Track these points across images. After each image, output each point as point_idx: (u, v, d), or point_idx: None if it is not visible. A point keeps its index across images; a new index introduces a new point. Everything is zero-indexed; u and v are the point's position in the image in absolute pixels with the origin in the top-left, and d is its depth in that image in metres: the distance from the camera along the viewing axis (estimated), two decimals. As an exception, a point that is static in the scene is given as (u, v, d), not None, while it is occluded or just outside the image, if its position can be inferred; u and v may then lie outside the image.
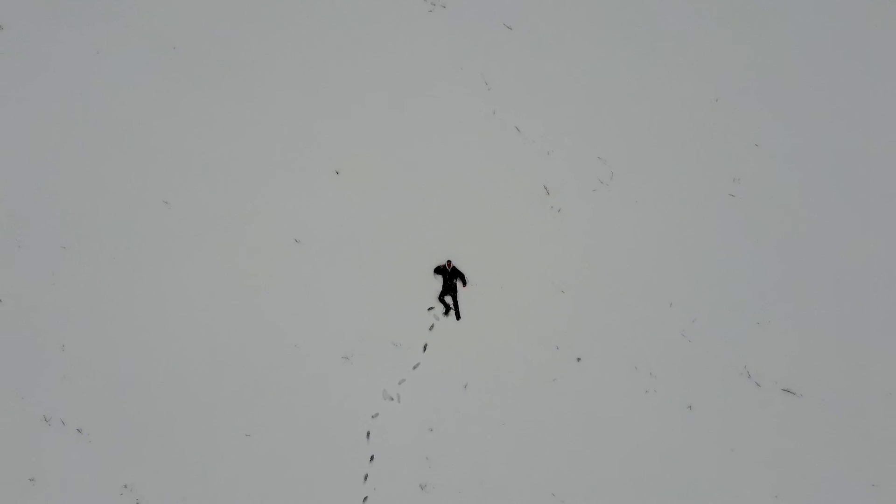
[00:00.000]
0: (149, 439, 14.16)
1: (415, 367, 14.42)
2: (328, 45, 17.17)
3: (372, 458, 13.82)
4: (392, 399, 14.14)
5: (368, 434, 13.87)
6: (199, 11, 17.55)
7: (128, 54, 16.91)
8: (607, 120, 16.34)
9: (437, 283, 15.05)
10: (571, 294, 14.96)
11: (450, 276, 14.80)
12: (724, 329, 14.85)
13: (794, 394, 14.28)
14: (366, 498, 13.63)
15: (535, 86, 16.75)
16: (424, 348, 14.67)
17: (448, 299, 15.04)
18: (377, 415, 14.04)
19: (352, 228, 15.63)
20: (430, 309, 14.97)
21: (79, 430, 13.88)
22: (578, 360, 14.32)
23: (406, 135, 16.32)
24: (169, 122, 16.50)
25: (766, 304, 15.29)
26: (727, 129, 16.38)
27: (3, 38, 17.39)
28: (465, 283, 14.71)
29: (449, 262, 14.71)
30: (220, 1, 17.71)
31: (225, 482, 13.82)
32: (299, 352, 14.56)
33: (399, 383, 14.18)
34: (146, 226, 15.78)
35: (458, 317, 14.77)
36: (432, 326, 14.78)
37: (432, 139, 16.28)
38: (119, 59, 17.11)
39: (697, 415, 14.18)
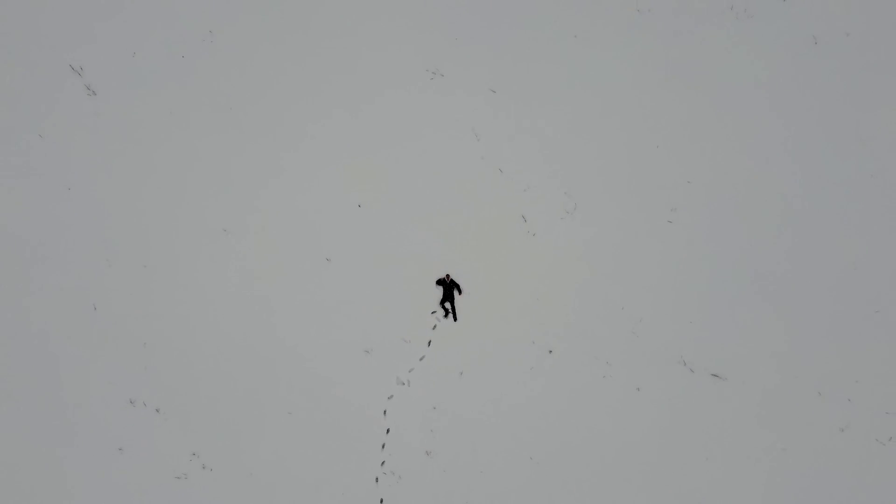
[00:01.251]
0: (210, 416, 14.56)
1: (421, 359, 15.28)
2: (344, 101, 17.71)
3: (388, 430, 14.47)
4: (403, 384, 14.94)
5: (385, 412, 14.63)
6: (264, 82, 17.30)
7: (193, 114, 17.00)
8: (571, 163, 17.11)
9: (438, 291, 15.67)
10: (544, 301, 15.79)
11: (448, 286, 15.47)
12: (664, 327, 15.49)
13: (720, 377, 14.64)
14: (383, 462, 14.13)
15: (514, 137, 17.49)
16: (429, 343, 15.48)
17: (447, 305, 15.64)
18: (392, 396, 14.79)
19: (372, 252, 16.24)
20: (433, 312, 15.79)
21: (157, 410, 14.42)
22: (550, 352, 15.11)
23: (412, 176, 17.08)
24: (228, 157, 16.46)
25: (697, 307, 15.46)
26: (665, 169, 17.06)
27: (97, 101, 16.97)
28: (460, 292, 15.27)
29: (448, 275, 15.39)
30: (264, 77, 17.26)
31: (271, 448, 14.15)
32: (332, 346, 15.25)
33: (409, 371, 15.10)
34: (211, 250, 16.00)
35: (455, 318, 15.38)
36: (435, 326, 15.64)
37: (433, 179, 17.08)
38: (185, 117, 17.03)
39: (644, 395, 14.77)
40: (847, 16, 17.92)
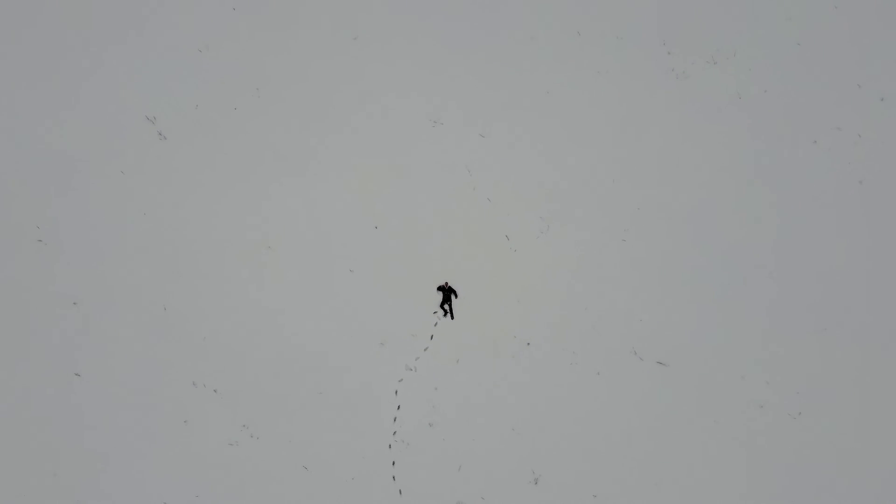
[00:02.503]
0: (257, 395, 14.84)
1: (425, 350, 15.61)
2: (366, 146, 17.59)
3: (398, 406, 14.85)
4: (411, 369, 15.31)
5: (396, 392, 15.04)
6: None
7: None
8: (545, 194, 17.26)
9: (438, 296, 15.93)
10: (524, 303, 16.05)
11: (447, 292, 15.77)
12: (619, 324, 15.76)
13: (664, 364, 15.15)
14: (395, 432, 14.60)
15: (499, 173, 17.53)
16: (431, 337, 15.76)
17: (446, 306, 15.86)
18: (402, 379, 15.20)
19: (386, 264, 16.48)
20: (434, 313, 16.04)
21: (214, 391, 14.70)
22: (528, 344, 15.53)
23: (419, 203, 17.21)
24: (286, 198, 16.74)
25: (645, 308, 15.85)
26: (620, 199, 17.15)
27: (167, 144, 17.21)
28: (456, 296, 15.74)
29: (446, 282, 15.73)
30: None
31: (305, 421, 14.63)
32: (354, 340, 15.57)
33: (415, 359, 15.44)
34: (256, 263, 16.14)
35: (452, 317, 15.81)
36: (436, 324, 15.95)
37: (435, 205, 17.24)
38: (235, 157, 17.04)
39: (602, 378, 15.20)
40: (765, 77, 18.15)
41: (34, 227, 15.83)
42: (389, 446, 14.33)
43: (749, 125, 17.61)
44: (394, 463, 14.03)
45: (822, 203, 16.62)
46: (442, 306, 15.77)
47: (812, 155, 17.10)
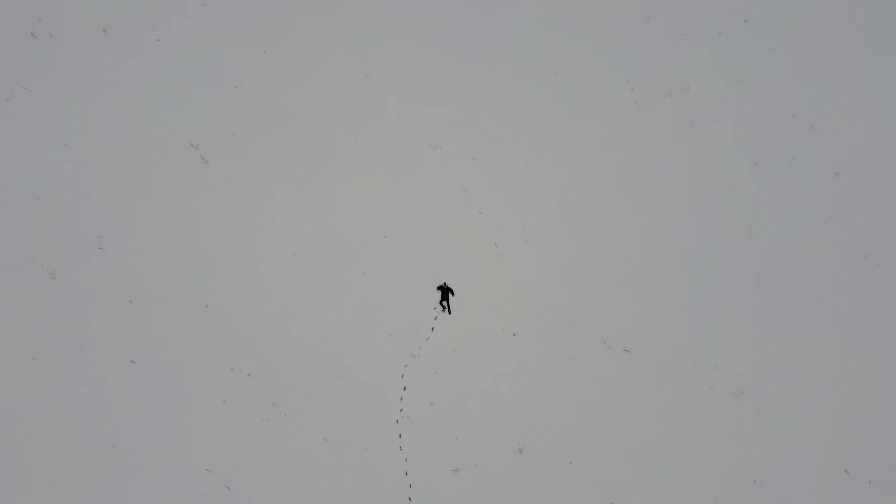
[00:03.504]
0: (285, 379, 15.22)
1: (427, 340, 16.01)
2: (377, 168, 17.98)
3: (404, 388, 15.31)
4: (415, 356, 15.73)
5: (403, 375, 15.47)
6: (319, 155, 17.93)
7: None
8: (528, 208, 17.70)
9: (438, 294, 16.32)
10: (510, 300, 16.48)
11: (445, 291, 16.09)
12: (591, 318, 16.21)
13: (629, 352, 15.80)
14: (401, 410, 15.05)
15: (490, 190, 17.93)
16: (432, 330, 16.14)
17: (444, 303, 16.19)
18: (407, 365, 15.61)
19: (393, 268, 16.81)
20: (434, 308, 16.40)
21: (249, 375, 15.23)
22: (514, 335, 16.00)
23: (421, 217, 17.58)
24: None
25: (613, 303, 16.39)
26: (591, 212, 17.65)
27: (208, 168, 17.58)
28: (453, 294, 16.09)
29: (444, 283, 16.13)
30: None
31: (326, 400, 15.10)
32: (367, 332, 16.02)
33: (418, 348, 15.84)
34: (285, 269, 16.42)
35: (449, 313, 16.21)
36: (436, 318, 16.33)
37: (435, 219, 17.59)
38: (267, 176, 17.30)
39: (577, 364, 15.67)
40: (714, 108, 18.74)
41: (96, 236, 16.46)
42: (397, 421, 14.84)
43: (700, 149, 18.26)
44: (400, 435, 14.59)
45: (762, 215, 17.33)
46: (441, 303, 16.14)
47: (754, 174, 17.83)
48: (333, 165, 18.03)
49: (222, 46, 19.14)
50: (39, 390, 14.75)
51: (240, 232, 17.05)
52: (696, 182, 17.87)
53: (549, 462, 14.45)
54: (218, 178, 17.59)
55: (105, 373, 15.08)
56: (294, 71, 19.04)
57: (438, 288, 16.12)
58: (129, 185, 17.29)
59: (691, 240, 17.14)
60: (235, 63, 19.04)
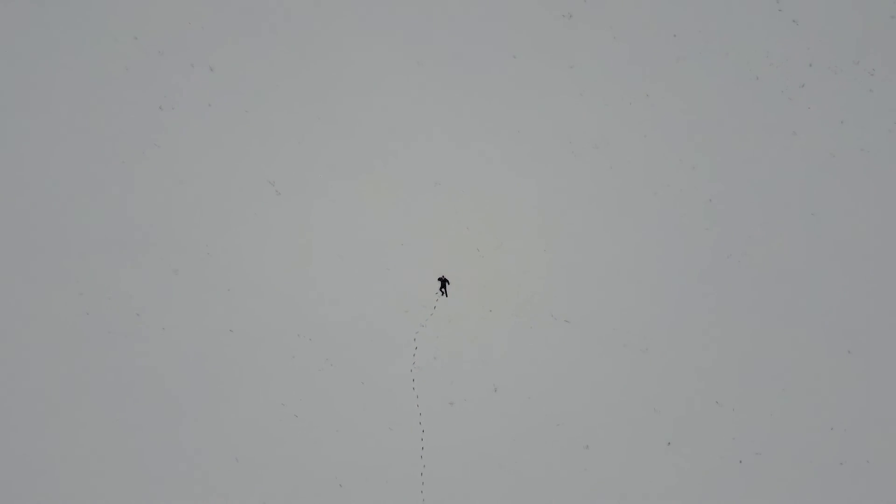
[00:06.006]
0: (335, 340, 17.52)
1: (430, 315, 18.65)
2: (389, 197, 18.71)
3: (416, 348, 18.20)
4: (423, 326, 18.50)
5: (414, 339, 18.32)
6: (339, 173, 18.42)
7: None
8: (499, 224, 18.98)
9: (438, 284, 18.51)
10: (490, 288, 18.66)
11: (443, 281, 18.41)
12: (551, 300, 18.29)
13: (569, 322, 18.35)
14: (414, 362, 18.00)
15: (475, 214, 19.01)
16: (434, 307, 18.73)
17: (443, 290, 18.41)
18: (417, 332, 18.44)
19: (407, 267, 18.60)
20: (436, 293, 18.80)
21: (310, 339, 17.38)
22: (490, 311, 18.48)
23: (423, 232, 18.82)
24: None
25: (560, 285, 18.16)
26: (553, 225, 18.76)
27: (282, 199, 18.08)
28: (449, 283, 18.31)
29: (443, 276, 18.51)
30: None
31: (363, 355, 17.39)
32: (390, 309, 18.29)
33: (426, 320, 18.46)
34: (323, 267, 17.91)
35: (447, 296, 18.66)
36: (437, 300, 18.75)
37: (436, 233, 19.05)
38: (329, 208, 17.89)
39: (534, 332, 18.08)
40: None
41: (170, 268, 17.35)
42: (410, 371, 17.92)
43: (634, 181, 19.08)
44: (413, 380, 17.85)
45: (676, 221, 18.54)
46: (440, 290, 18.63)
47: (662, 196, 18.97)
48: (376, 197, 18.82)
49: (292, 95, 18.59)
50: (97, 355, 16.00)
51: (307, 250, 18.51)
52: (638, 207, 18.81)
53: (517, 400, 17.77)
54: (290, 210, 18.43)
55: (205, 343, 17.20)
56: (336, 124, 18.96)
57: (439, 279, 18.67)
58: (214, 213, 18.06)
59: (629, 240, 18.53)
60: (305, 109, 18.83)
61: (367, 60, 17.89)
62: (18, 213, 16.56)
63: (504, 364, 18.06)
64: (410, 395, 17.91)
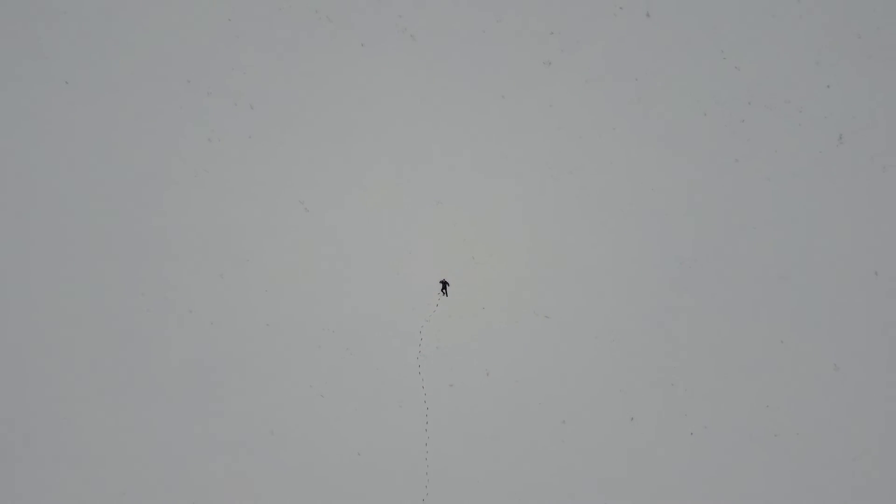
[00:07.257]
0: (354, 329, 18.06)
1: (434, 311, 18.88)
2: (395, 219, 18.90)
3: (421, 338, 18.60)
4: (427, 320, 18.91)
5: (420, 331, 18.79)
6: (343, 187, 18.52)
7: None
8: (488, 236, 19.14)
9: (439, 286, 18.68)
10: (483, 288, 19.01)
11: (444, 283, 18.58)
12: (536, 298, 18.74)
13: (548, 318, 18.61)
14: (420, 350, 18.48)
15: (471, 231, 19.26)
16: (437, 304, 18.97)
17: (444, 291, 18.51)
18: (423, 326, 18.85)
19: (415, 273, 19.04)
20: (437, 293, 19.12)
21: (333, 331, 18.22)
22: (483, 308, 18.75)
23: (428, 246, 19.14)
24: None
25: (542, 284, 18.63)
26: (535, 239, 18.88)
27: (311, 217, 18.48)
28: (448, 285, 18.45)
29: (444, 279, 18.64)
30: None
31: (377, 343, 18.20)
32: (402, 307, 18.85)
33: (430, 315, 18.92)
34: (358, 277, 18.33)
35: (447, 296, 18.75)
36: (440, 298, 19.11)
37: (437, 245, 19.26)
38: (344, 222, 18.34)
39: (521, 327, 18.62)
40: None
41: (217, 272, 18.14)
42: (417, 358, 18.56)
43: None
44: (419, 365, 18.37)
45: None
46: (442, 291, 18.82)
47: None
48: (349, 203, 18.96)
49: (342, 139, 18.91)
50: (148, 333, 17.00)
51: (335, 261, 19.07)
52: (619, 216, 18.78)
53: (506, 383, 18.41)
54: (318, 229, 19.13)
55: (242, 339, 17.89)
56: (354, 163, 19.21)
57: (440, 282, 18.74)
58: (252, 232, 18.68)
59: (614, 238, 18.71)
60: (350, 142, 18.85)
61: (382, 108, 19.34)
62: (101, 228, 19.21)
63: (495, 353, 18.90)
64: (417, 378, 18.75)
